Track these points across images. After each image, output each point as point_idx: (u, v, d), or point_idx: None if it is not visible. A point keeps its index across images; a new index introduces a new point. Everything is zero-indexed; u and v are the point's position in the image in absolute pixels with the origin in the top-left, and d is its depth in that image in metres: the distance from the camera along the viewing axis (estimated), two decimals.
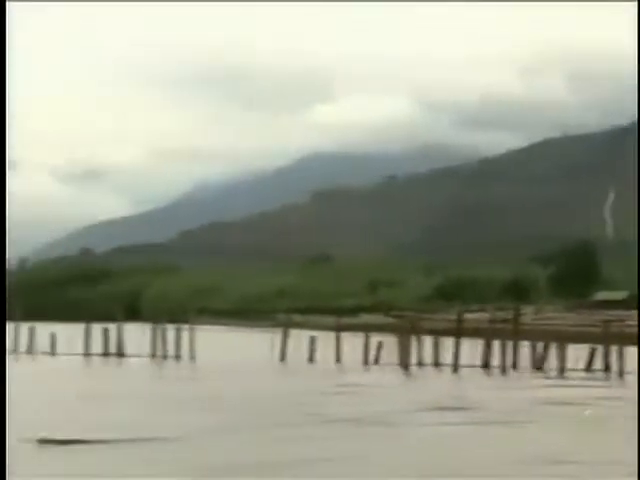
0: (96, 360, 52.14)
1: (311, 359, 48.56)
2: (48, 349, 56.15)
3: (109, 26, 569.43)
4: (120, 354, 53.40)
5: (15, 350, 57.61)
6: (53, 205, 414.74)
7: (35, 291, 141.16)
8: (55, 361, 52.53)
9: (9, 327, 59.34)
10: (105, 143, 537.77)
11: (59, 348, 55.88)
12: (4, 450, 14.59)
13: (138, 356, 51.96)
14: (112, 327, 54.18)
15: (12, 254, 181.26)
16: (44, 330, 57.88)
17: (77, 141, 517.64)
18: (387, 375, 41.88)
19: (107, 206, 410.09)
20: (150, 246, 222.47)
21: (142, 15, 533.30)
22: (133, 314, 70.75)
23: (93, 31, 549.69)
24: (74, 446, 20.00)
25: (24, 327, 58.54)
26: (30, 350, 56.93)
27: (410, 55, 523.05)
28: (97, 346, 53.91)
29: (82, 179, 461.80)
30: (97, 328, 54.04)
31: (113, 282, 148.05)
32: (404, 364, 45.37)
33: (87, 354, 53.85)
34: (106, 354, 53.45)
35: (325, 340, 50.26)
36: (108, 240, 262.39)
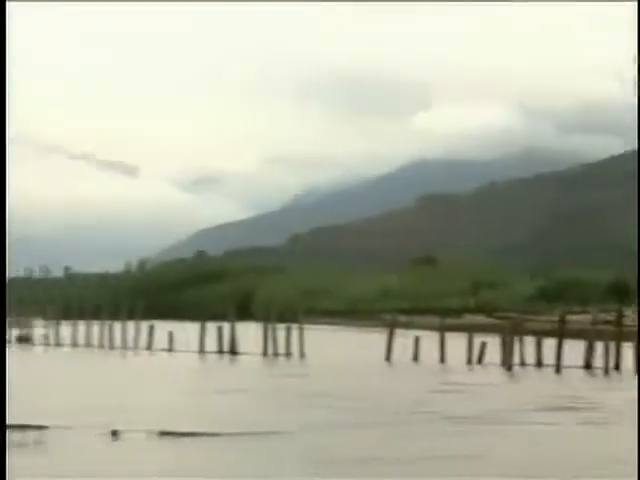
0: (210, 357, 53.92)
1: (415, 358, 49.33)
2: (166, 346, 58.60)
3: (227, 33, 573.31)
4: (233, 352, 55.04)
5: (136, 347, 60.56)
6: (172, 210, 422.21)
7: (154, 291, 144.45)
8: (172, 358, 54.56)
9: (131, 325, 62.31)
10: (221, 150, 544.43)
11: (176, 345, 58.38)
12: (4, 450, 14.64)
13: (250, 354, 53.47)
14: (225, 326, 55.86)
15: (133, 257, 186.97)
16: (162, 328, 60.49)
17: (194, 149, 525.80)
18: (490, 375, 42.51)
19: (222, 211, 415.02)
20: (261, 249, 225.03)
21: (257, 26, 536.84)
22: (245, 314, 72.78)
23: (206, 36, 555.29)
24: (192, 438, 20.88)
25: (144, 325, 61.37)
26: (149, 347, 59.63)
27: (509, 63, 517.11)
28: (211, 344, 55.77)
29: (199, 185, 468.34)
30: (211, 327, 55.76)
31: (226, 283, 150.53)
32: (507, 364, 46.02)
33: (202, 351, 55.81)
34: (220, 352, 55.24)
35: (429, 340, 50.92)
36: (222, 243, 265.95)
